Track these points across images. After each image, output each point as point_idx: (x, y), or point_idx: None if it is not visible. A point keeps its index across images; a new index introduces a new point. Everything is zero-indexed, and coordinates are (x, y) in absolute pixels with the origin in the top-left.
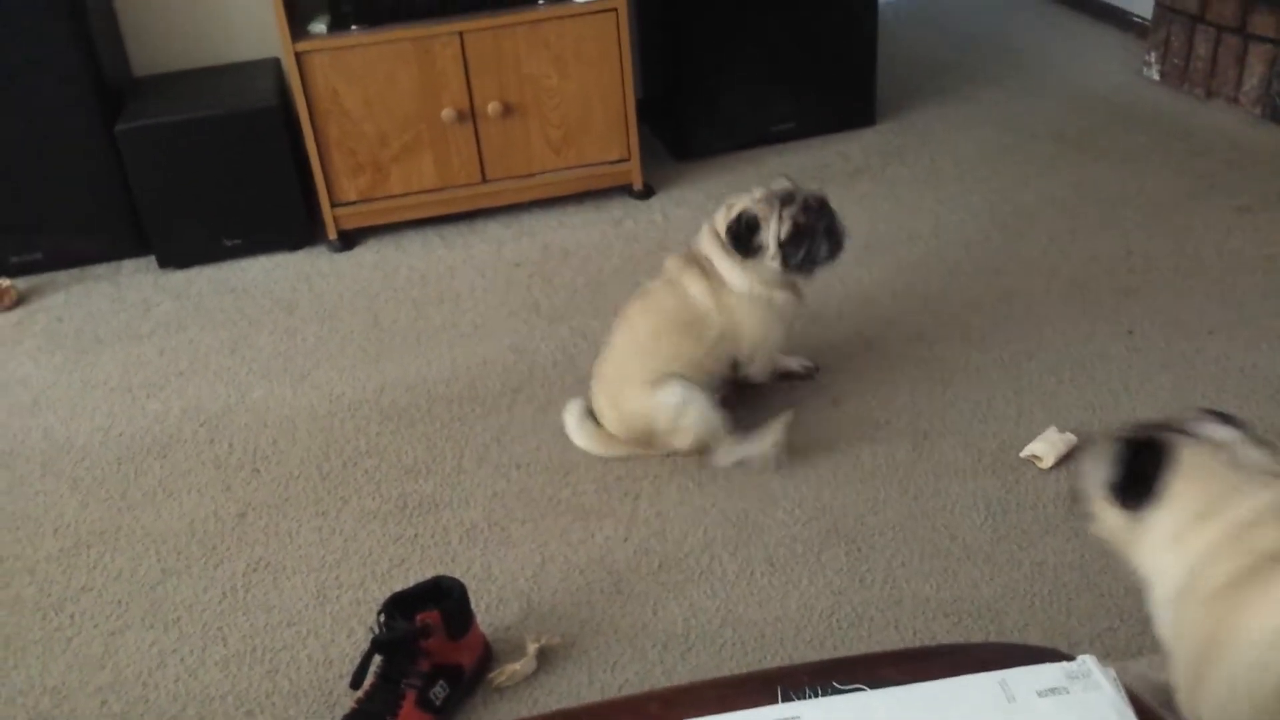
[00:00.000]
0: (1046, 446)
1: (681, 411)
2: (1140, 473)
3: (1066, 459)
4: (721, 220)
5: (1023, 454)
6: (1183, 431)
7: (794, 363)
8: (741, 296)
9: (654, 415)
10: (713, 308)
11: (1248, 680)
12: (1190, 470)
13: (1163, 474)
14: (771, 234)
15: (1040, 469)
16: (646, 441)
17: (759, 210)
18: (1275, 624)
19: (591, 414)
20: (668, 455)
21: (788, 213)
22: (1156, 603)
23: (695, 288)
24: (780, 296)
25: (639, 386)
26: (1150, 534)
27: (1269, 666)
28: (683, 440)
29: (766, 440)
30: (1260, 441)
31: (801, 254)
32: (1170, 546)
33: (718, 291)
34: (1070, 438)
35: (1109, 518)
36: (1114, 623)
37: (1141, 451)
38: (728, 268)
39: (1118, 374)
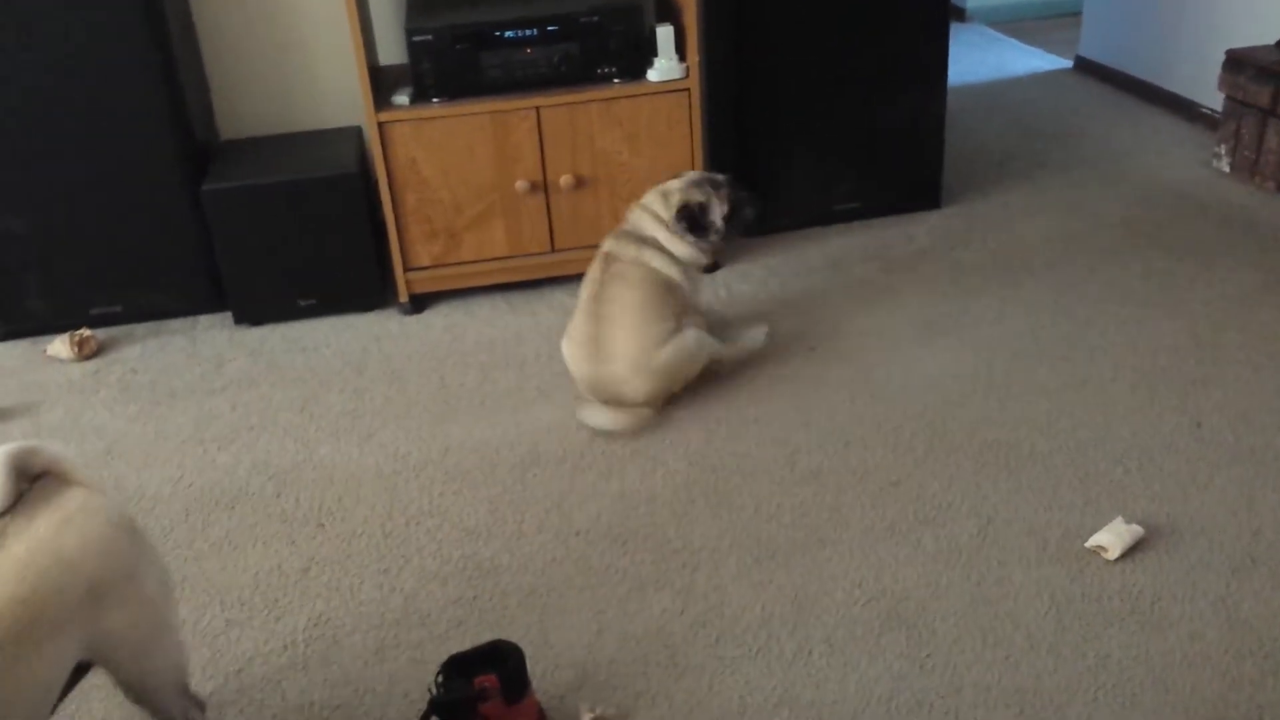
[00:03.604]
0: (1113, 537)
1: (700, 345)
2: None
3: (1133, 551)
4: (663, 207)
5: (1088, 544)
6: None
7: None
8: (687, 263)
9: (681, 359)
10: (673, 273)
11: None
12: None
13: None
14: (718, 214)
15: (1106, 560)
16: (674, 384)
17: (700, 196)
18: None
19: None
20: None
21: (723, 195)
22: None
23: (656, 261)
24: (701, 262)
25: (660, 344)
26: None
27: None
28: (698, 367)
29: (759, 332)
30: None
31: (739, 222)
32: None
33: (671, 261)
34: (1137, 529)
35: None
36: None
37: None
38: (674, 243)
39: (1185, 466)
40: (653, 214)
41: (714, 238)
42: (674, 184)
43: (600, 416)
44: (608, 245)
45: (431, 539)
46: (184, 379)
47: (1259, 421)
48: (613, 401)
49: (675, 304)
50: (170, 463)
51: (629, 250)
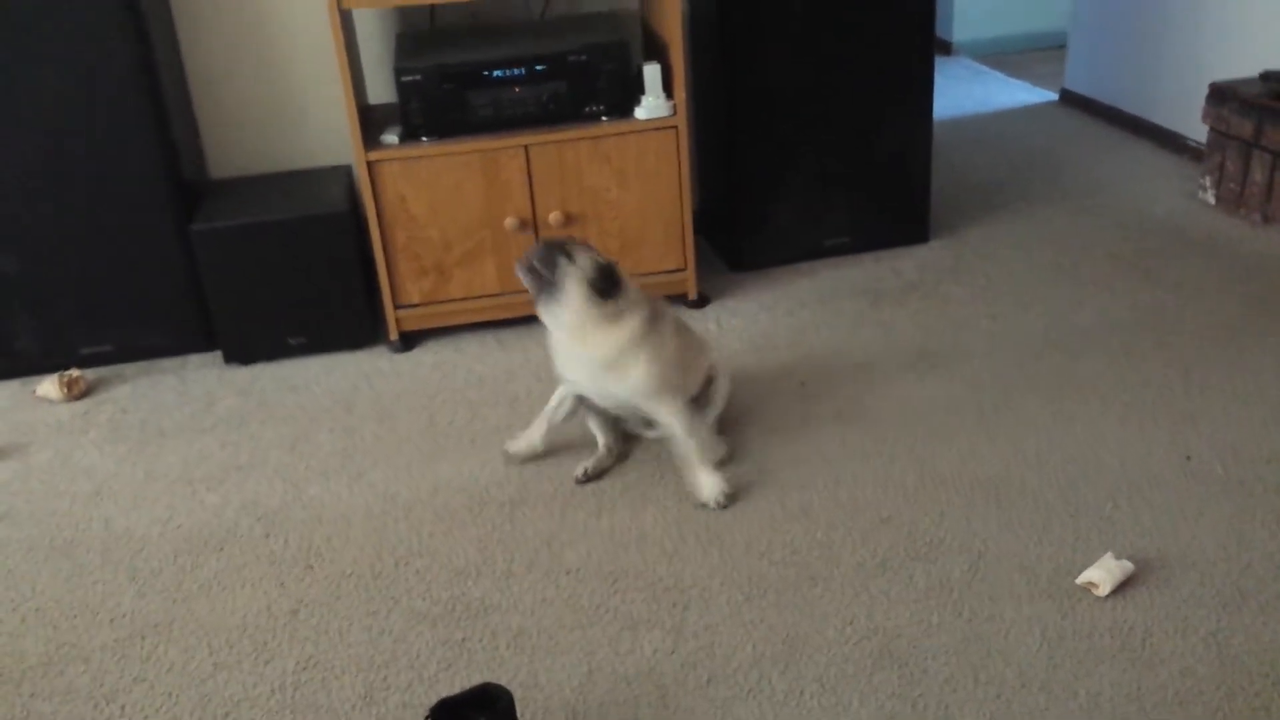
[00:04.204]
0: (1103, 573)
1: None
2: None
3: (1123, 586)
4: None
5: (1079, 580)
6: None
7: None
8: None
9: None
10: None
11: None
12: None
13: None
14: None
15: (1097, 596)
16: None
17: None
18: None
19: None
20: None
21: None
22: None
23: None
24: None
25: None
26: None
27: None
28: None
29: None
30: None
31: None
32: None
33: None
34: (1127, 565)
35: None
36: None
37: None
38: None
39: (1175, 500)
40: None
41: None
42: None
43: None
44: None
45: (420, 579)
46: (173, 418)
47: (1248, 455)
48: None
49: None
50: (159, 503)
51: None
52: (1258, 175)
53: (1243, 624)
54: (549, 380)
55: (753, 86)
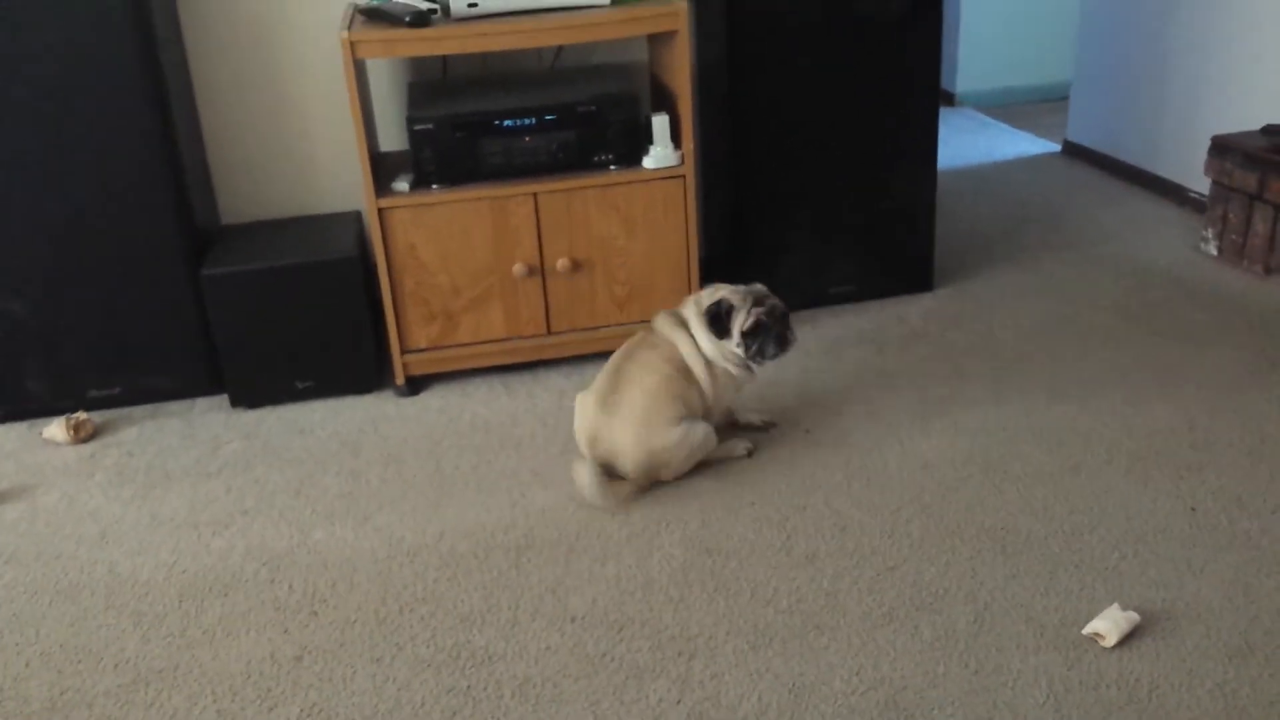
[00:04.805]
0: (1109, 625)
1: (705, 443)
2: None
3: (1129, 638)
4: (707, 299)
5: (1085, 631)
6: None
7: (755, 417)
8: (709, 361)
9: (682, 449)
10: (696, 365)
11: None
12: None
13: None
14: (738, 323)
15: (1103, 647)
16: (665, 471)
17: (736, 301)
18: None
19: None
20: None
21: (756, 310)
22: None
23: (684, 346)
24: (734, 370)
25: (667, 425)
26: None
27: None
28: (691, 464)
29: (740, 445)
30: None
31: (755, 346)
32: None
33: (696, 352)
34: (1134, 616)
35: None
36: None
37: None
38: (702, 337)
39: (1181, 551)
40: (697, 305)
41: (734, 345)
42: (729, 287)
43: (586, 479)
44: (655, 321)
45: (425, 626)
46: (180, 462)
47: (1253, 506)
48: (605, 465)
49: (692, 396)
50: (164, 547)
51: (666, 327)
52: (1260, 227)
53: (1249, 676)
54: (554, 425)
55: (759, 137)
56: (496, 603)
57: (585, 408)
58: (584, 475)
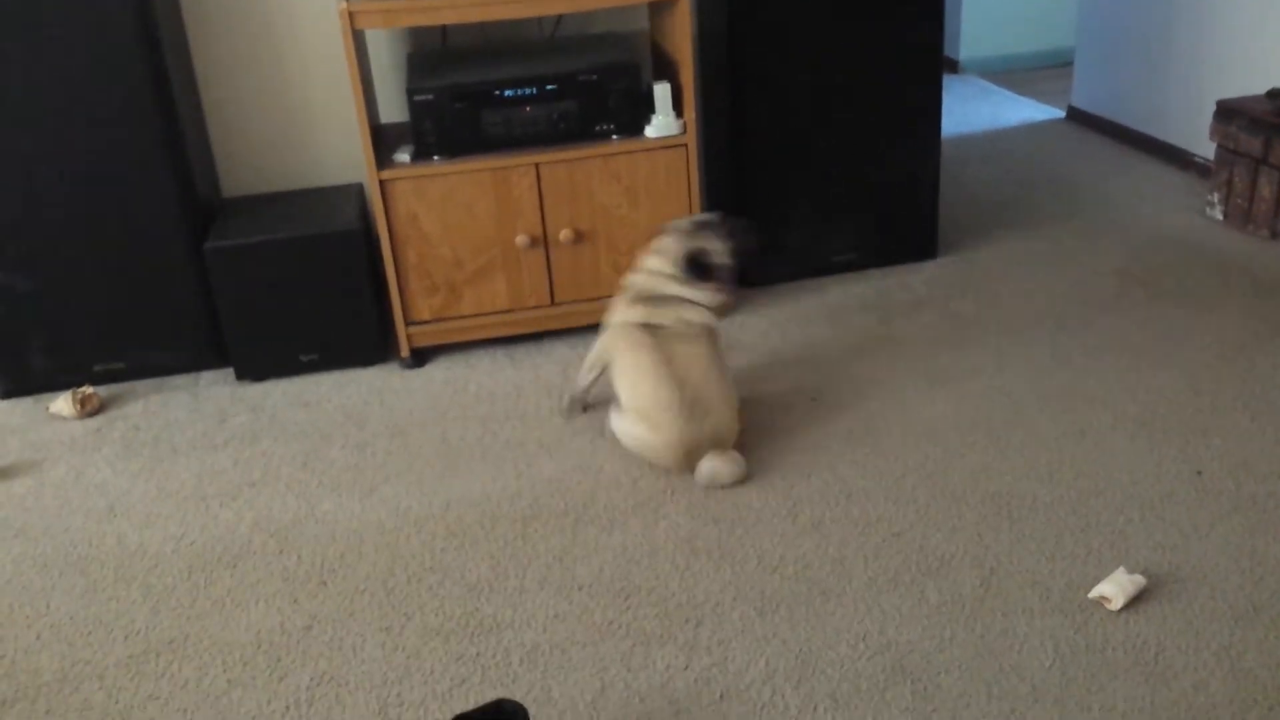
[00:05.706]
0: (1115, 588)
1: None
2: None
3: (1136, 601)
4: (669, 264)
5: (1091, 594)
6: None
7: None
8: (714, 307)
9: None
10: (710, 319)
11: None
12: None
13: None
14: (719, 253)
15: (1109, 610)
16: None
17: (698, 242)
18: None
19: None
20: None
21: (717, 233)
22: None
23: (693, 315)
24: (725, 295)
25: (732, 384)
26: None
27: None
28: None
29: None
30: None
31: (743, 253)
32: None
33: (702, 310)
34: (1139, 579)
35: None
36: None
37: None
38: (696, 294)
39: (1186, 515)
40: (663, 275)
41: (723, 275)
42: (667, 241)
43: (725, 469)
44: (634, 315)
45: (434, 595)
46: (186, 435)
47: (1259, 469)
48: (714, 450)
49: (721, 345)
50: (172, 520)
51: (667, 316)
52: (1266, 191)
53: (1255, 638)
54: (558, 396)
55: (762, 104)
56: (504, 571)
57: (673, 427)
58: (720, 471)
